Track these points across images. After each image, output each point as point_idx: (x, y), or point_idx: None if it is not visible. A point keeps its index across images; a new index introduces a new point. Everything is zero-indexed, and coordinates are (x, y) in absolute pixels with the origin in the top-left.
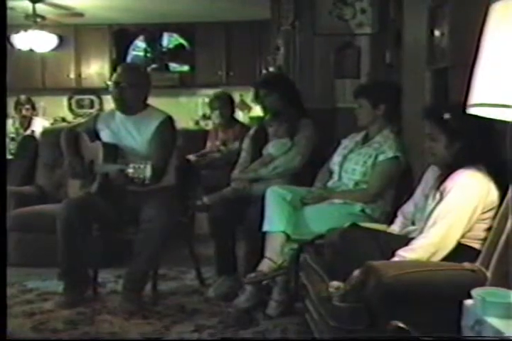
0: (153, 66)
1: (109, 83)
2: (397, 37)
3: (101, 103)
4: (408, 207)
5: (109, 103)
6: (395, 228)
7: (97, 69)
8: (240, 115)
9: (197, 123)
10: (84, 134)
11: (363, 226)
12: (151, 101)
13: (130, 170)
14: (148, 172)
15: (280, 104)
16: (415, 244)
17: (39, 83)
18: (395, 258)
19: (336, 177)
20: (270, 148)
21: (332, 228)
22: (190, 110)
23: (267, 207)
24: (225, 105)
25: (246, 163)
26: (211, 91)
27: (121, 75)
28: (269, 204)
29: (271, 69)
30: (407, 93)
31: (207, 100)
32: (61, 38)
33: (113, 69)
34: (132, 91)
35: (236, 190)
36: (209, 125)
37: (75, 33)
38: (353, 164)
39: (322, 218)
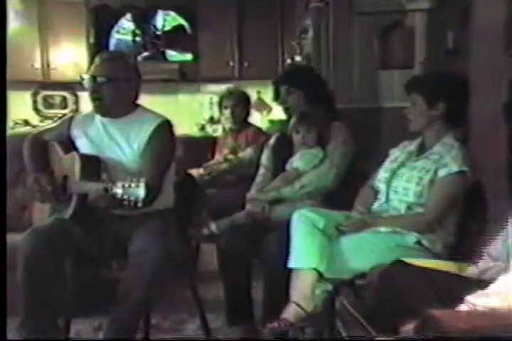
0: (145, 54)
1: (85, 76)
2: (464, 14)
3: (77, 101)
4: (497, 245)
5: (87, 102)
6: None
7: (70, 57)
8: (257, 117)
9: (202, 128)
10: (55, 143)
11: (413, 263)
12: (143, 100)
13: (118, 191)
14: (141, 192)
15: (308, 103)
16: (491, 289)
17: None
18: (463, 307)
19: (382, 198)
20: (296, 161)
21: (377, 265)
22: (193, 112)
23: (294, 237)
24: (238, 105)
25: (265, 181)
26: (220, 87)
27: (100, 67)
28: (296, 232)
29: (296, 58)
30: (477, 87)
31: (215, 99)
32: (20, 14)
33: (91, 57)
34: (114, 87)
35: (252, 215)
36: (218, 131)
37: (38, 7)
38: (404, 181)
39: (364, 252)
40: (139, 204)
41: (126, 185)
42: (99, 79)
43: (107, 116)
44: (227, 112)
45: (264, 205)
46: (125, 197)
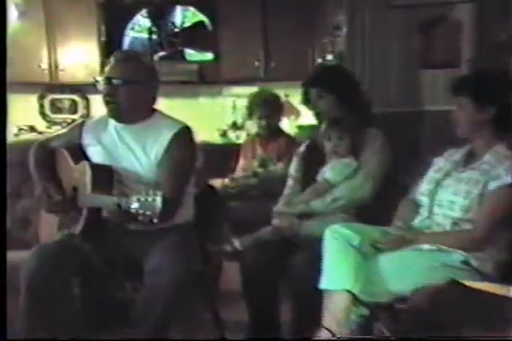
0: (161, 53)
1: (99, 78)
2: None
3: (87, 105)
4: None
5: (99, 106)
6: None
7: (80, 57)
8: (285, 123)
9: (224, 134)
10: (65, 151)
11: (466, 284)
12: (159, 103)
13: (133, 205)
14: (157, 206)
15: (341, 108)
16: None
17: None
18: None
19: (424, 212)
20: (328, 172)
21: (420, 287)
22: (214, 116)
23: (325, 255)
24: (271, 109)
25: (294, 193)
26: (244, 90)
27: (115, 68)
28: (327, 250)
29: (328, 57)
30: None
31: (238, 102)
32: (25, 10)
33: (103, 57)
34: (131, 90)
35: (280, 230)
36: (241, 137)
37: (45, 3)
38: (450, 194)
39: (404, 272)
40: (155, 220)
41: (142, 199)
42: (114, 81)
43: (122, 122)
44: (262, 123)
45: (293, 220)
46: (140, 211)
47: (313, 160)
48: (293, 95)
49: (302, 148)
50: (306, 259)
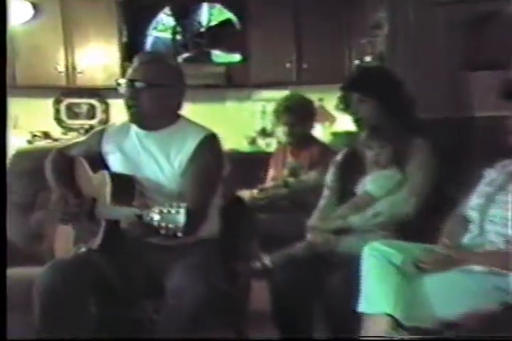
0: (186, 55)
1: (121, 81)
2: None
3: (106, 110)
4: None
5: (120, 111)
6: None
7: (99, 58)
8: (319, 129)
9: (253, 142)
10: (83, 160)
11: None
12: (183, 109)
13: (154, 217)
14: (181, 219)
15: (383, 114)
16: None
17: (8, 79)
18: None
19: (475, 229)
20: (368, 184)
21: (470, 311)
22: (242, 122)
23: (364, 275)
24: (300, 116)
25: (330, 206)
26: (274, 94)
27: (139, 70)
28: (367, 269)
29: (366, 59)
30: None
31: (268, 107)
32: (40, 9)
33: (124, 59)
34: (155, 94)
35: (314, 246)
36: (272, 145)
37: (62, 1)
38: (504, 210)
39: (452, 295)
40: (179, 234)
41: (165, 211)
42: (137, 84)
43: (145, 128)
44: (288, 130)
45: (329, 235)
46: (162, 224)
47: (352, 170)
48: (327, 99)
49: (340, 157)
50: (343, 279)
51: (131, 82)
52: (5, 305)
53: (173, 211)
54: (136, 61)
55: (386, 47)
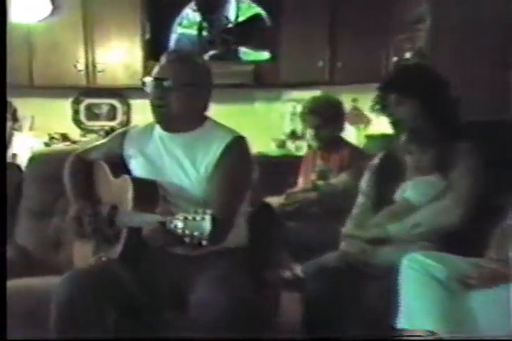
0: (212, 52)
1: (147, 80)
2: None
3: (128, 111)
4: None
5: (142, 112)
6: None
7: (121, 56)
8: (352, 132)
9: (282, 145)
10: (103, 164)
11: None
12: (209, 110)
13: (178, 225)
14: (207, 227)
15: (424, 116)
16: None
17: (24, 78)
18: None
19: None
20: (409, 191)
21: None
22: (271, 124)
23: (403, 289)
24: (327, 118)
25: (366, 213)
26: (306, 94)
27: (167, 68)
28: (406, 283)
29: (406, 55)
30: None
31: (299, 108)
32: (59, 4)
33: (147, 57)
34: (183, 94)
35: (348, 256)
36: (302, 148)
37: None
38: None
39: (501, 313)
40: (204, 242)
41: (189, 218)
42: (165, 83)
43: (170, 130)
44: (312, 133)
45: (364, 245)
46: (187, 232)
47: (390, 175)
48: (362, 100)
49: (376, 161)
50: (380, 292)
51: (158, 81)
52: (5, 305)
53: (198, 218)
54: (163, 59)
55: (427, 43)
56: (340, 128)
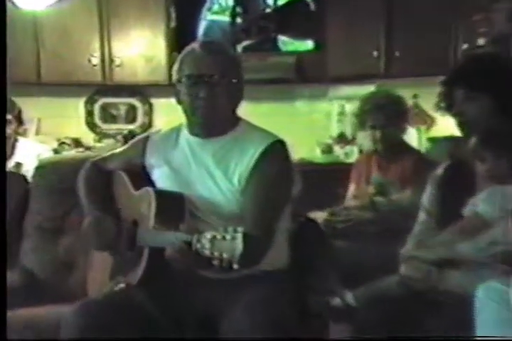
0: (247, 42)
1: (186, 74)
2: None
3: (150, 112)
4: None
5: (166, 113)
6: None
7: (142, 48)
8: (413, 134)
9: (329, 150)
10: (122, 174)
11: None
12: (242, 109)
13: (206, 245)
14: (238, 248)
15: (499, 115)
16: None
17: (29, 73)
18: None
19: None
20: (481, 204)
21: None
22: (315, 126)
23: (480, 324)
24: (390, 116)
25: (428, 231)
26: (357, 90)
27: (206, 63)
28: (483, 315)
29: (479, 42)
30: None
31: (348, 107)
32: None
33: (172, 48)
34: (226, 93)
35: (409, 281)
36: (352, 154)
37: None
38: None
39: None
40: (235, 265)
41: (218, 237)
42: (210, 79)
43: (202, 135)
44: (376, 134)
45: (429, 268)
46: (215, 254)
47: (457, 187)
48: (424, 96)
49: (440, 171)
50: (449, 324)
51: (199, 78)
52: (5, 305)
53: (228, 237)
54: (196, 51)
55: (507, 26)
56: (403, 130)
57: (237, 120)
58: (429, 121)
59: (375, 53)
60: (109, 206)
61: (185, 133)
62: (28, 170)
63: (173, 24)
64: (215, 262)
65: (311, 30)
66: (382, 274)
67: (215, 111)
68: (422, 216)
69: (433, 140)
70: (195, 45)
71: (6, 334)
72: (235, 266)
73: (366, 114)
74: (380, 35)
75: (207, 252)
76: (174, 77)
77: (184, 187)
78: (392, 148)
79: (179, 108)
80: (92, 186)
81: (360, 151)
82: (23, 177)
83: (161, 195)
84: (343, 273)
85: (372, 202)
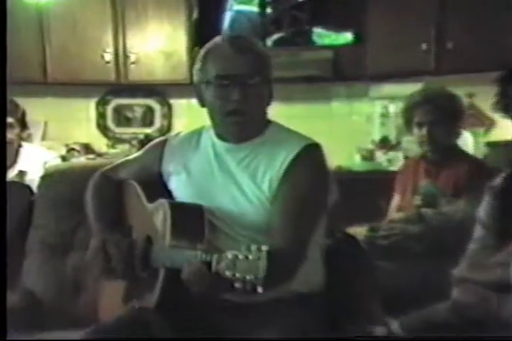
0: (277, 36)
1: (199, 75)
2: None
3: (169, 114)
4: None
5: (187, 115)
6: None
7: (160, 43)
8: (468, 138)
9: (370, 156)
10: (135, 184)
11: None
12: (272, 111)
13: (227, 265)
14: (262, 268)
15: None
16: None
17: (35, 72)
18: None
19: None
20: None
21: None
22: (355, 130)
23: None
24: (443, 114)
25: (486, 250)
26: (402, 89)
27: (240, 61)
28: None
29: None
30: None
31: (392, 108)
32: None
33: (194, 43)
34: (260, 94)
35: (464, 308)
36: (397, 161)
37: None
38: None
39: None
40: (259, 289)
41: (240, 257)
42: (253, 80)
43: (234, 140)
44: (425, 137)
45: (487, 292)
46: (237, 275)
47: None
48: (481, 95)
49: (500, 179)
50: None
51: (229, 79)
52: (5, 305)
53: (251, 257)
54: (223, 48)
55: None
56: (457, 133)
57: (267, 123)
58: (487, 124)
59: (424, 46)
60: (118, 220)
61: (208, 136)
62: (33, 179)
63: (195, 16)
64: (238, 285)
65: (349, 20)
66: (431, 299)
67: (249, 115)
68: (478, 231)
69: (492, 144)
70: (219, 41)
71: (6, 334)
72: (260, 290)
73: (413, 108)
74: (429, 24)
75: (228, 274)
76: (196, 76)
77: (205, 195)
78: (443, 152)
79: (201, 110)
80: (101, 201)
81: (406, 158)
82: (27, 188)
83: (178, 208)
84: (387, 297)
85: (419, 214)
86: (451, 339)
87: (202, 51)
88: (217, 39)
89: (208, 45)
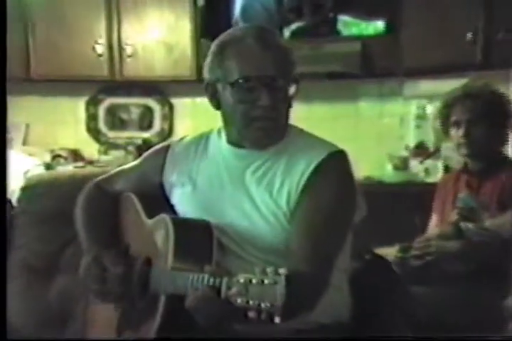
0: (296, 26)
1: (212, 73)
2: None
3: (170, 116)
4: None
5: (191, 116)
6: None
7: (161, 33)
8: None
9: (403, 166)
10: (133, 197)
11: None
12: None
13: (238, 291)
14: (280, 294)
15: None
16: None
17: (17, 67)
18: None
19: None
20: None
21: None
22: (386, 134)
23: None
24: (487, 113)
25: None
26: (443, 86)
27: (271, 60)
28: None
29: None
30: None
31: (430, 108)
32: None
33: (200, 33)
34: (287, 95)
35: None
36: (436, 171)
37: None
38: None
39: None
40: (276, 319)
41: (254, 281)
42: (268, 82)
43: (254, 148)
44: (459, 133)
45: None
46: (251, 303)
47: None
48: None
49: None
50: None
51: (257, 81)
52: (5, 305)
53: (267, 281)
54: (248, 43)
55: None
56: (504, 139)
57: (288, 127)
58: None
59: (469, 36)
60: (113, 238)
61: (217, 142)
62: (13, 191)
63: (201, 2)
64: (251, 314)
65: (380, 6)
66: (478, 330)
67: (275, 121)
68: None
69: None
70: (239, 33)
71: (6, 334)
72: (277, 320)
73: (451, 106)
74: (476, 11)
75: (240, 301)
76: (210, 73)
77: (213, 210)
78: (485, 159)
79: (208, 110)
80: (93, 216)
81: (446, 167)
82: (8, 201)
83: (182, 225)
84: (422, 328)
85: (457, 229)
86: (452, 340)
87: (217, 44)
88: (237, 31)
89: (224, 38)
